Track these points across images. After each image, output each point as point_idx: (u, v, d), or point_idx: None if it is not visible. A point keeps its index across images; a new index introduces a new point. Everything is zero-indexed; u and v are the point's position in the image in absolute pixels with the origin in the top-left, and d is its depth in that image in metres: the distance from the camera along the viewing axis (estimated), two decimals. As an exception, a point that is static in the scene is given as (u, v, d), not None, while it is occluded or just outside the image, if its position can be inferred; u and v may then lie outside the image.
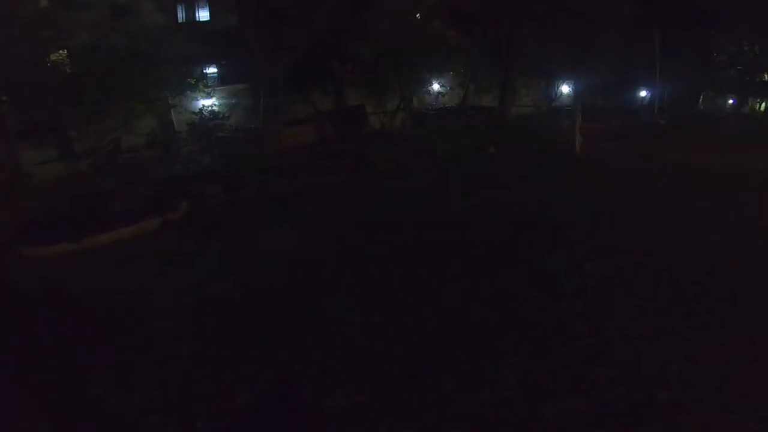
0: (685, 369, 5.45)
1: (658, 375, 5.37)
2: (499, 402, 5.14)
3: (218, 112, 19.14)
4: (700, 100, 37.70)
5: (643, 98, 33.02)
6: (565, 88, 30.08)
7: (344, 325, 6.71)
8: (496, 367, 5.67)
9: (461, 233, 10.19)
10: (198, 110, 18.73)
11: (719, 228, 9.86)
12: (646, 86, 31.62)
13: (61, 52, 17.37)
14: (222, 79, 22.33)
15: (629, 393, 5.12)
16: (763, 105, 37.76)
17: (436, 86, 25.28)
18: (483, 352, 5.95)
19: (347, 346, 6.26)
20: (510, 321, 6.62)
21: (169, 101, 18.74)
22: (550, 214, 11.15)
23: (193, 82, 19.07)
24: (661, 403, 4.97)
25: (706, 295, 7.07)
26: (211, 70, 22.41)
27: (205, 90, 19.63)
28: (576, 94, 23.19)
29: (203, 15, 22.37)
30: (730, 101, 38.03)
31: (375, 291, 7.73)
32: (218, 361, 6.03)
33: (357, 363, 5.89)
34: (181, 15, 21.76)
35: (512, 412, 5.00)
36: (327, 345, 6.29)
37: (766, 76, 36.15)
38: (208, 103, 19.52)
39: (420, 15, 23.79)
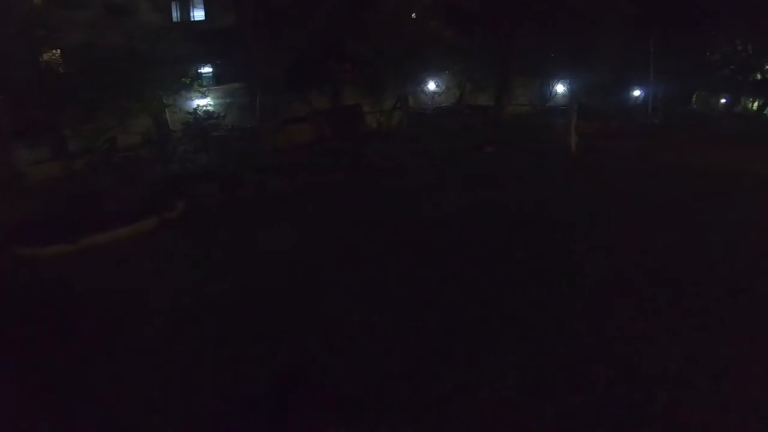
0: (685, 369, 5.48)
1: (658, 375, 5.40)
2: (499, 402, 5.16)
3: (213, 111, 19.03)
4: (693, 99, 37.92)
5: (637, 98, 33.17)
6: (560, 88, 30.14)
7: (344, 325, 6.71)
8: (496, 367, 5.68)
9: (459, 233, 10.21)
10: (193, 110, 18.63)
11: (716, 228, 9.93)
12: (641, 86, 31.75)
13: (54, 51, 17.21)
14: (217, 79, 22.16)
15: (629, 393, 5.15)
16: (756, 104, 38.05)
17: (432, 85, 25.26)
18: (483, 352, 5.97)
19: (347, 345, 6.26)
20: (510, 321, 6.64)
21: (164, 101, 18.62)
22: (548, 214, 11.18)
23: (188, 82, 18.94)
24: (661, 402, 5.00)
25: (704, 295, 7.12)
26: (206, 69, 22.27)
27: (200, 90, 19.51)
28: (572, 93, 23.26)
29: (198, 14, 22.24)
30: (723, 100, 38.27)
31: (374, 291, 7.73)
32: (218, 361, 6.01)
33: (357, 363, 5.89)
34: (176, 14, 21.61)
35: (512, 412, 5.02)
36: (327, 344, 6.29)
37: (759, 75, 36.40)
38: (203, 102, 19.41)
39: (417, 14, 23.74)
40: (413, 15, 23.93)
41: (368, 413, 5.04)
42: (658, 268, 8.07)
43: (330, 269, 8.68)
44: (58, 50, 17.07)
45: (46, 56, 16.79)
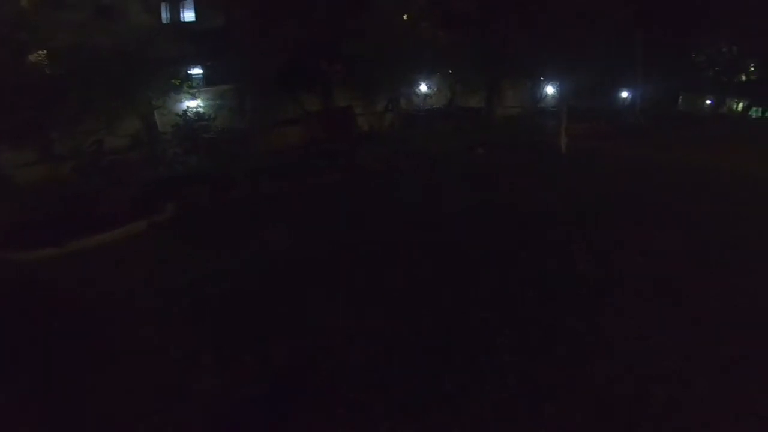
0: (685, 368, 5.49)
1: (658, 374, 5.40)
2: (499, 402, 5.13)
3: (204, 113, 18.88)
4: (679, 100, 38.42)
5: (625, 99, 33.55)
6: (550, 90, 30.41)
7: (342, 326, 6.65)
8: (495, 367, 5.66)
9: (456, 234, 10.20)
10: (183, 112, 18.45)
11: (710, 228, 10.01)
12: (628, 87, 32.13)
13: (40, 52, 16.95)
14: (207, 80, 21.98)
15: (629, 393, 5.14)
16: (741, 105, 38.64)
17: (424, 87, 25.33)
18: (482, 353, 5.94)
19: (346, 346, 6.20)
20: (509, 321, 6.62)
21: (153, 102, 18.43)
22: (542, 215, 11.20)
23: (177, 83, 18.77)
24: (661, 402, 5.00)
25: (703, 295, 7.15)
26: (197, 71, 22.07)
27: (190, 91, 19.35)
28: (561, 95, 23.50)
29: (188, 15, 22.04)
30: (708, 101, 38.81)
31: (372, 291, 7.67)
32: (216, 363, 5.91)
33: (357, 363, 5.83)
34: (165, 15, 21.39)
35: (512, 412, 4.99)
36: (326, 345, 6.22)
37: (743, 76, 37.00)
38: (193, 104, 19.24)
39: (410, 16, 23.83)
40: (405, 17, 23.99)
41: (368, 413, 4.98)
42: (656, 268, 8.10)
43: (326, 271, 8.60)
44: (44, 51, 16.80)
45: (32, 57, 16.52)
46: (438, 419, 4.91)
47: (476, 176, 15.27)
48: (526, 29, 21.88)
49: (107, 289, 8.19)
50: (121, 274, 8.87)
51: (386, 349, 6.09)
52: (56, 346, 6.49)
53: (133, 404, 5.30)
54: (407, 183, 14.74)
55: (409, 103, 26.06)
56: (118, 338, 6.65)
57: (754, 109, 36.93)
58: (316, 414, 5.04)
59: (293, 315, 7.10)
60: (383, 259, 8.97)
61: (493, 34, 23.27)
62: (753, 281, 7.50)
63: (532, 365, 5.68)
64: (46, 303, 7.79)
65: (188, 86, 19.44)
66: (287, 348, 6.23)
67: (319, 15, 18.95)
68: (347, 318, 6.88)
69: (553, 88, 29.89)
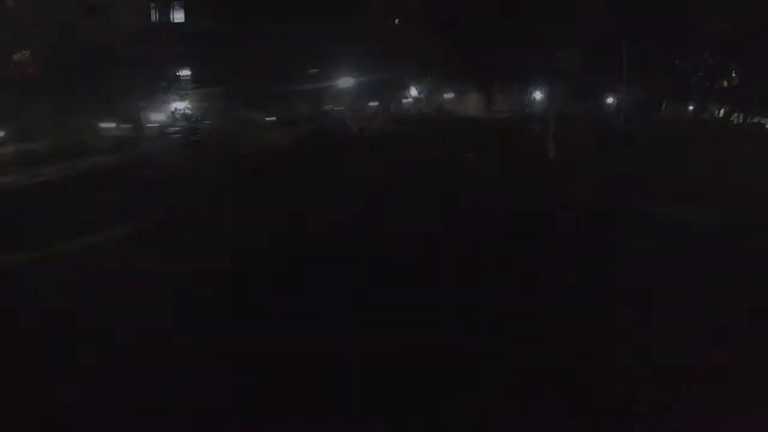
0: (683, 369, 5.48)
1: (654, 375, 5.40)
2: (493, 404, 5.08)
3: (192, 115, 18.79)
4: (663, 106, 39.12)
5: (610, 105, 34.12)
6: (538, 95, 30.85)
7: (334, 330, 6.54)
8: (487, 370, 5.60)
9: (448, 236, 10.17)
10: (170, 113, 18.35)
11: (706, 230, 10.13)
12: (613, 93, 32.69)
13: (24, 52, 16.72)
14: (196, 82, 21.83)
15: (626, 393, 5.12)
16: (722, 111, 39.41)
17: (414, 92, 25.54)
18: (475, 354, 5.88)
19: (340, 348, 6.08)
20: (502, 323, 6.57)
21: (140, 103, 18.29)
22: (535, 218, 11.23)
23: (165, 85, 18.66)
24: (657, 404, 4.98)
25: (701, 297, 7.15)
26: (185, 72, 21.89)
27: (178, 92, 19.25)
28: (551, 101, 23.79)
29: (178, 17, 21.86)
30: (690, 107, 39.58)
31: (366, 294, 7.58)
32: (210, 367, 5.76)
33: (353, 365, 5.72)
34: (155, 16, 21.21)
35: (504, 413, 4.94)
36: (320, 347, 6.11)
37: (725, 83, 37.77)
38: (181, 105, 19.15)
39: (401, 20, 24.01)
40: (396, 21, 24.17)
41: (367, 414, 4.90)
42: (652, 270, 8.11)
43: (318, 274, 8.47)
44: (29, 51, 16.58)
45: (16, 56, 16.29)
46: (436, 419, 4.83)
47: (467, 181, 15.34)
48: (516, 35, 22.18)
49: (88, 293, 7.94)
50: (103, 279, 8.62)
51: (381, 352, 6.01)
52: (35, 348, 6.29)
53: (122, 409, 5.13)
54: (399, 186, 14.73)
55: (398, 107, 26.20)
56: (100, 343, 6.44)
57: (735, 115, 37.66)
58: (313, 414, 4.93)
59: (285, 316, 6.99)
60: (377, 259, 8.91)
61: (484, 39, 23.52)
62: (752, 283, 7.50)
63: (527, 365, 5.63)
64: (20, 308, 7.53)
65: (177, 87, 19.34)
66: (282, 350, 6.12)
67: (313, 16, 18.96)
68: (342, 318, 6.80)
69: (541, 93, 30.30)
